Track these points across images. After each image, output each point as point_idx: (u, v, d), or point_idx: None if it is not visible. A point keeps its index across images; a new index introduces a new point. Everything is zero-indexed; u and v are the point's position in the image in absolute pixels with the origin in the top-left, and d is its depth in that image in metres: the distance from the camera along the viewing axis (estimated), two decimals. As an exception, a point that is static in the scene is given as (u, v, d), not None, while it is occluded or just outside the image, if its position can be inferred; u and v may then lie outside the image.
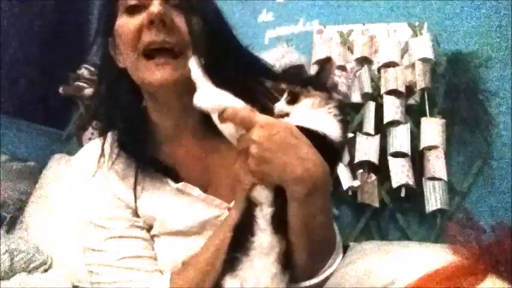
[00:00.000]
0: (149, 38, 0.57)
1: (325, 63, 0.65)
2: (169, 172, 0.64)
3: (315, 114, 0.54)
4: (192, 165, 0.66)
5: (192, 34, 0.58)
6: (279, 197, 0.51)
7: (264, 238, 0.51)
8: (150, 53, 0.58)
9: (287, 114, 0.55)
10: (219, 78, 0.53)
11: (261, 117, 0.50)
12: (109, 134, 0.67)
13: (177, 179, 0.64)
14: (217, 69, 0.55)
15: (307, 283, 0.55)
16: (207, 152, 0.67)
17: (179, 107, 0.63)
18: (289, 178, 0.49)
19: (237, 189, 0.57)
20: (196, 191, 0.64)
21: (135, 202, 0.64)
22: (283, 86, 0.58)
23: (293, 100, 0.55)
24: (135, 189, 0.64)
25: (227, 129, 0.53)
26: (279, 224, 0.52)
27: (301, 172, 0.49)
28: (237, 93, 0.52)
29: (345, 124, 0.56)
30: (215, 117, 0.52)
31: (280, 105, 0.56)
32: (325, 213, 0.54)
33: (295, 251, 0.53)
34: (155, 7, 0.56)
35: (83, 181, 0.65)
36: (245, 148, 0.50)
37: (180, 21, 0.58)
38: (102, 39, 0.64)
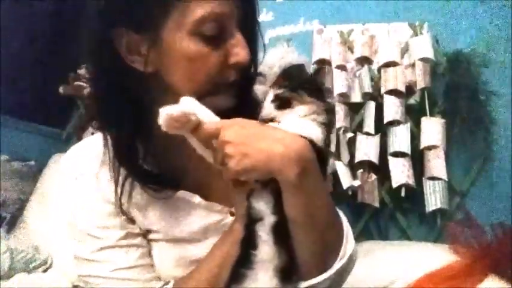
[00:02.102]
0: (234, 77, 0.56)
1: (321, 67, 0.64)
2: (167, 180, 0.61)
3: (302, 121, 0.53)
4: (193, 170, 0.63)
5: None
6: (279, 204, 0.50)
7: (265, 251, 0.50)
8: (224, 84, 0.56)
9: (272, 120, 0.53)
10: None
11: (224, 121, 0.50)
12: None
13: (176, 186, 0.62)
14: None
15: (319, 278, 0.53)
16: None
17: None
18: (273, 162, 0.47)
19: (236, 205, 0.56)
20: (196, 198, 0.62)
21: (129, 209, 0.61)
22: (272, 89, 0.57)
23: (283, 105, 0.54)
24: (130, 196, 0.61)
25: (199, 147, 0.52)
26: (280, 234, 0.50)
27: (283, 150, 0.47)
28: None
29: (328, 127, 0.54)
30: (188, 137, 0.51)
31: (268, 109, 0.54)
32: (323, 196, 0.52)
33: (299, 248, 0.51)
34: (246, 56, 0.54)
35: (76, 183, 0.61)
36: (222, 155, 0.49)
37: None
38: (110, 27, 0.54)
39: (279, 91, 0.55)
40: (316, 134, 0.52)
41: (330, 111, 0.56)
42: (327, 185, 0.56)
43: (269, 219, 0.50)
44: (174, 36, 0.52)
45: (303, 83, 0.56)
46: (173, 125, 0.48)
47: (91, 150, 0.62)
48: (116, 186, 0.59)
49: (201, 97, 0.53)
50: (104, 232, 0.60)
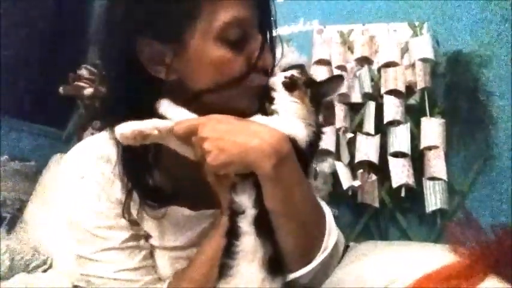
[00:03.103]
0: (259, 81, 0.57)
1: (340, 75, 0.64)
2: (163, 196, 0.61)
3: (291, 118, 0.54)
4: (180, 180, 0.63)
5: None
6: (260, 197, 0.51)
7: (247, 242, 0.50)
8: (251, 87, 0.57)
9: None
10: None
11: (201, 118, 0.51)
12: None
13: (168, 202, 0.62)
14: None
15: (302, 271, 0.53)
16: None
17: None
18: (249, 155, 0.48)
19: (219, 198, 0.56)
20: (185, 211, 0.63)
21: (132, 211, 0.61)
22: (287, 72, 0.57)
23: (289, 87, 0.55)
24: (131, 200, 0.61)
25: (180, 147, 0.53)
26: (263, 226, 0.51)
27: (259, 143, 0.48)
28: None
29: (316, 134, 0.55)
30: (169, 141, 0.53)
31: (273, 84, 0.56)
32: (302, 187, 0.52)
33: (282, 241, 0.51)
34: (271, 59, 0.57)
35: (81, 182, 0.60)
36: (201, 152, 0.50)
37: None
38: (133, 38, 0.53)
39: (297, 75, 0.56)
40: (301, 133, 0.53)
41: (321, 125, 0.57)
42: (308, 181, 0.56)
43: (250, 211, 0.51)
44: (200, 44, 0.53)
45: (314, 84, 0.57)
46: (130, 141, 0.50)
47: (96, 149, 0.62)
48: (125, 187, 0.59)
49: (227, 102, 0.55)
50: (109, 232, 0.60)
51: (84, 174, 0.61)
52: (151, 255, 0.63)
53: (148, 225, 0.63)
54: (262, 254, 0.50)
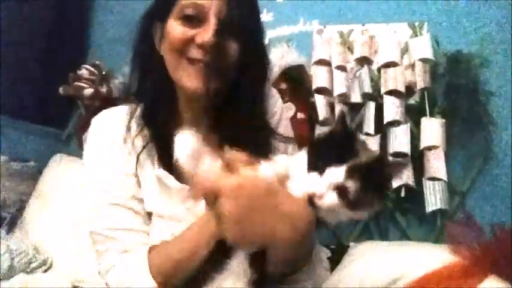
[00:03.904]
0: (196, 55, 0.63)
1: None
2: (167, 158, 0.65)
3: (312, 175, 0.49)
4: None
5: (237, 60, 0.63)
6: None
7: (237, 262, 0.49)
8: (193, 60, 0.63)
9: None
10: (247, 97, 0.64)
11: (226, 182, 0.45)
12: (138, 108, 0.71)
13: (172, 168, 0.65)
14: (246, 88, 0.64)
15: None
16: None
17: (201, 106, 0.69)
18: (276, 242, 0.45)
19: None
20: (171, 180, 0.65)
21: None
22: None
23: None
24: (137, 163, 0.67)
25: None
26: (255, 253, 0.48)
27: (289, 233, 0.45)
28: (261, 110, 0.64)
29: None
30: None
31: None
32: (309, 252, 0.52)
33: (272, 268, 0.49)
34: (209, 36, 0.61)
35: (104, 139, 0.69)
36: (221, 226, 0.46)
37: (230, 47, 0.63)
38: (150, 21, 0.69)
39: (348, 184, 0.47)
40: (321, 189, 0.47)
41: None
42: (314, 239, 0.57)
43: None
44: (170, 22, 0.65)
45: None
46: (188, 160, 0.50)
47: (118, 115, 0.71)
48: (144, 140, 0.67)
49: (175, 76, 0.64)
50: (120, 187, 0.66)
51: (107, 130, 0.69)
52: (147, 219, 0.67)
53: (143, 185, 0.67)
54: (250, 277, 0.49)
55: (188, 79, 0.63)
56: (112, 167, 0.67)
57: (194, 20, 0.62)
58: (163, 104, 0.68)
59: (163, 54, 0.66)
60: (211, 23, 0.61)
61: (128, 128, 0.68)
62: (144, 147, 0.67)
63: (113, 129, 0.69)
